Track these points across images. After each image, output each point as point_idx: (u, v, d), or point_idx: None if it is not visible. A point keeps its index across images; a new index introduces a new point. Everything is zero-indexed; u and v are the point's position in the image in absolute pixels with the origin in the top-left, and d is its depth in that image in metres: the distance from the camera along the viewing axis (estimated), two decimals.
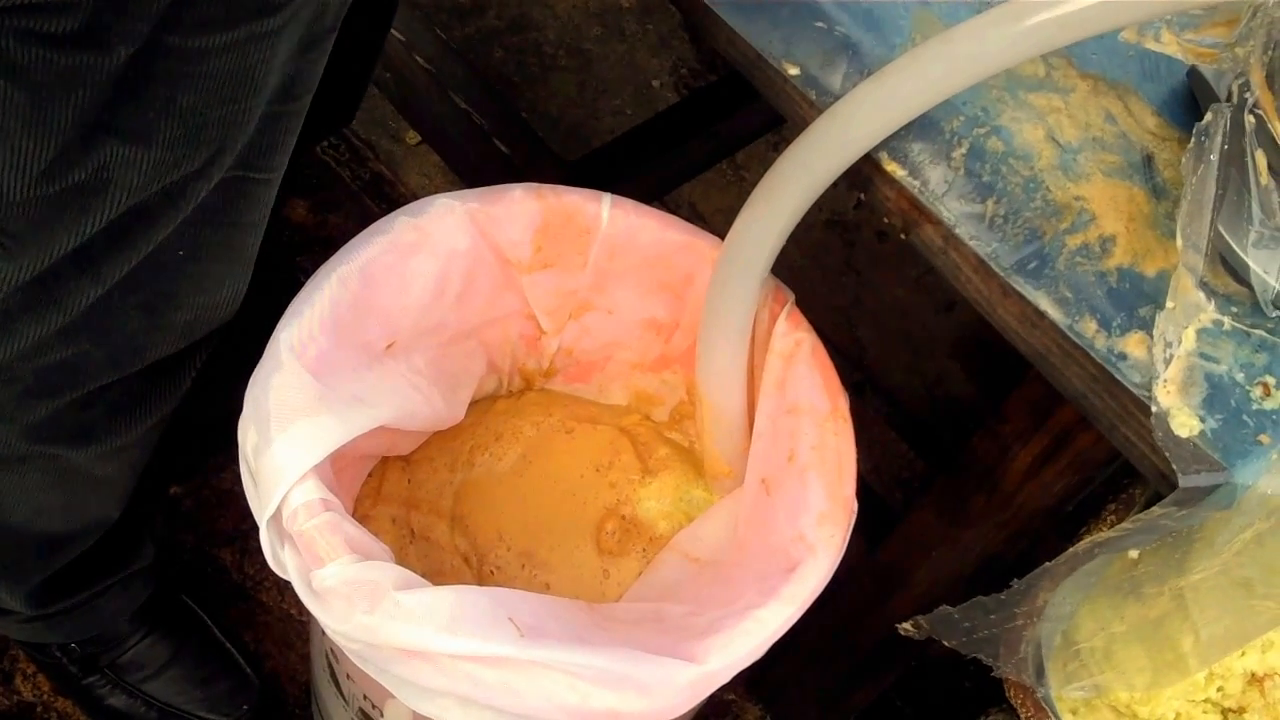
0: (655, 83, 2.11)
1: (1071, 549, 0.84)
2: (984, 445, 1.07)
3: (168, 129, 0.82)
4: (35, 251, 0.87)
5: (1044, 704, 0.97)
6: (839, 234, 2.02)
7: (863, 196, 0.90)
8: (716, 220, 1.90)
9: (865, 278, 2.00)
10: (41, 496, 1.15)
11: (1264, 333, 0.81)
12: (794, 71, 0.88)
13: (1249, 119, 0.79)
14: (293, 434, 0.88)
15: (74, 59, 0.75)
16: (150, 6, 0.75)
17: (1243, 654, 0.98)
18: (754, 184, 0.89)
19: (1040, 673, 0.95)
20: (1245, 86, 0.80)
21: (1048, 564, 0.84)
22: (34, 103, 0.77)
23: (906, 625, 0.98)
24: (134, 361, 1.03)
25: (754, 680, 1.54)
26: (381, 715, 1.07)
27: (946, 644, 0.94)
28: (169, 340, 1.02)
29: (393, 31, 1.54)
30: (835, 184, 0.87)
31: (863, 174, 0.87)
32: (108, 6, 0.74)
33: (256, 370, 0.93)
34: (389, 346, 1.03)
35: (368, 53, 1.29)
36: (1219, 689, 0.98)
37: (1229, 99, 0.82)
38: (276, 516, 0.88)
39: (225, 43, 0.79)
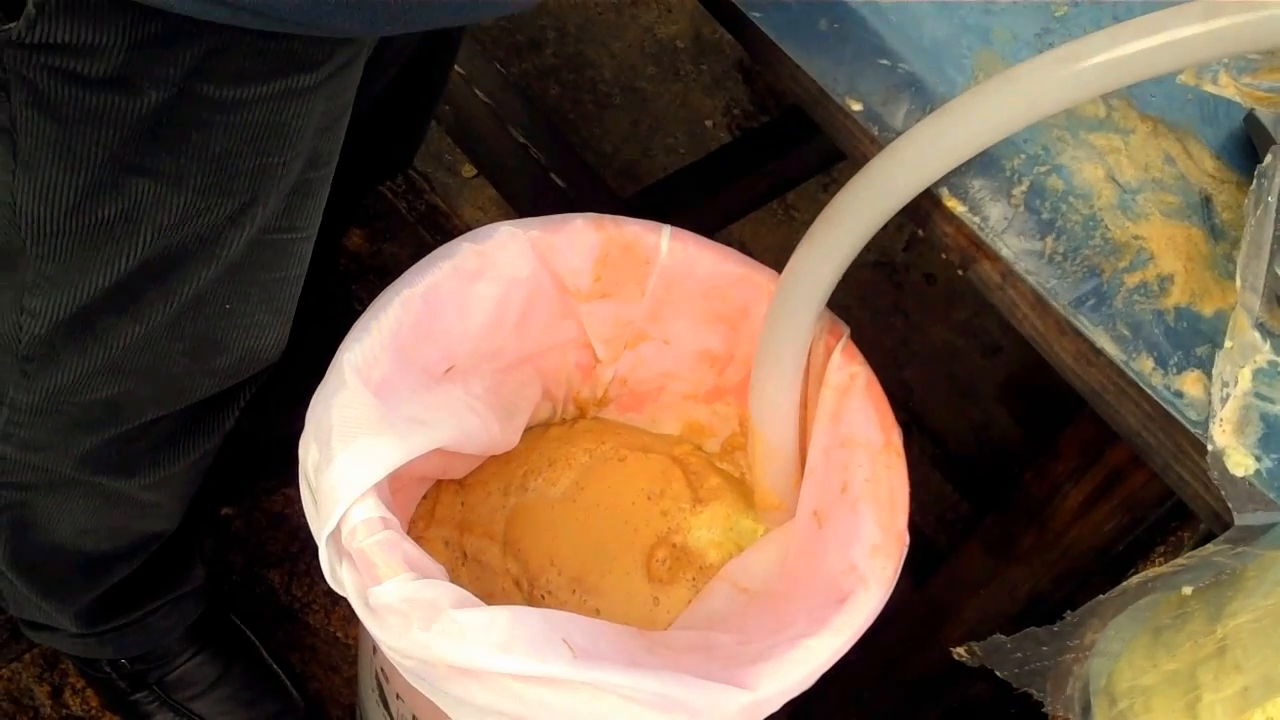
0: (709, 122, 2.13)
1: (1124, 584, 0.84)
2: (1035, 483, 1.07)
3: (200, 174, 0.84)
4: (69, 287, 0.90)
5: None
6: (887, 275, 2.03)
7: (920, 232, 0.91)
8: (766, 259, 1.89)
9: (913, 319, 2.01)
10: (87, 518, 1.17)
11: None
12: (857, 108, 0.89)
13: None
14: (354, 451, 0.89)
15: (103, 100, 0.78)
16: (181, 58, 0.77)
17: None
18: (804, 223, 0.90)
19: (1086, 711, 0.94)
20: None
21: (1101, 596, 0.85)
22: (63, 137, 0.80)
23: (960, 650, 0.98)
24: (178, 400, 1.05)
25: (796, 716, 1.54)
26: None
27: (999, 674, 0.94)
28: (213, 381, 1.05)
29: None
30: (884, 225, 0.88)
31: (922, 209, 0.88)
32: (139, 55, 0.76)
33: (319, 389, 0.94)
34: (448, 370, 1.04)
35: (428, 99, 1.31)
36: None
37: None
38: (336, 533, 0.89)
39: (260, 95, 0.81)
